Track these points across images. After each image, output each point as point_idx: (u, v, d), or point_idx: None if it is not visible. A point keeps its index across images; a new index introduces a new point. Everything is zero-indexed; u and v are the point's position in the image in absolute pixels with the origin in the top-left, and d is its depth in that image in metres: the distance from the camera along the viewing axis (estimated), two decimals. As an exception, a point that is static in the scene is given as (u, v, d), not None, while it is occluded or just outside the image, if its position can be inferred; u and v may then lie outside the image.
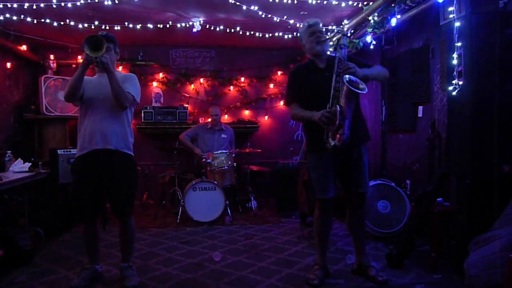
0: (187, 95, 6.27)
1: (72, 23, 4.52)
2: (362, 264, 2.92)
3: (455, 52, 2.91)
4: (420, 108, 4.18)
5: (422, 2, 3.64)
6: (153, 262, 3.34)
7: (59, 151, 4.36)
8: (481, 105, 2.75)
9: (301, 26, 2.94)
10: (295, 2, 4.05)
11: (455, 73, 2.90)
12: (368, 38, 4.40)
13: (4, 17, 4.25)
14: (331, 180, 2.80)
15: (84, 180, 2.77)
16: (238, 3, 4.06)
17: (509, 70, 2.72)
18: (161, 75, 6.18)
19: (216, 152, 4.86)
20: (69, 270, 3.12)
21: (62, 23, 4.48)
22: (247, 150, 5.16)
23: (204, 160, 4.86)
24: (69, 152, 4.36)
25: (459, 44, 2.88)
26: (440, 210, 3.05)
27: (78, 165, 2.81)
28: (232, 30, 4.94)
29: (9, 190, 3.64)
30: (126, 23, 4.63)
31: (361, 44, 4.66)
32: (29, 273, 3.07)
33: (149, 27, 4.72)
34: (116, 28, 4.62)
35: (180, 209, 4.63)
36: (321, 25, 2.86)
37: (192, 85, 6.28)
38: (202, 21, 4.70)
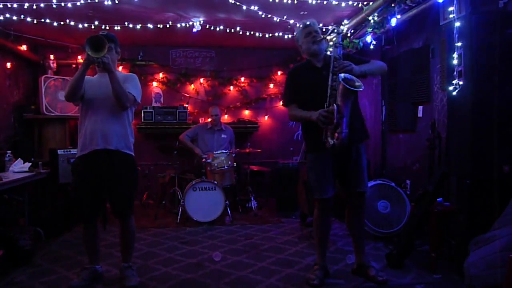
0: (187, 95, 6.27)
1: (72, 23, 4.52)
2: (362, 264, 2.92)
3: (455, 52, 2.91)
4: (420, 108, 4.18)
5: (422, 2, 3.64)
6: (153, 262, 3.34)
7: (59, 151, 4.36)
8: (481, 105, 2.75)
9: (296, 29, 2.94)
10: (295, 2, 4.06)
11: (455, 73, 2.90)
12: (368, 38, 4.40)
13: (4, 17, 4.26)
14: (330, 180, 2.80)
15: (84, 180, 2.77)
16: (238, 3, 4.06)
17: (509, 70, 2.72)
18: (161, 75, 6.19)
19: (216, 152, 4.86)
20: (69, 270, 3.12)
21: (62, 23, 4.48)
22: (247, 150, 5.16)
23: (204, 160, 4.86)
24: (69, 152, 4.36)
25: (459, 44, 2.88)
26: (440, 210, 3.05)
27: (79, 165, 2.81)
28: (232, 30, 4.94)
29: (9, 190, 3.64)
30: (126, 23, 4.63)
31: (361, 44, 4.66)
32: (29, 273, 3.07)
33: (149, 27, 4.72)
34: (116, 28, 4.63)
35: (180, 209, 4.63)
36: (316, 25, 2.86)
37: (192, 85, 6.28)
38: (202, 21, 4.70)
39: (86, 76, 2.71)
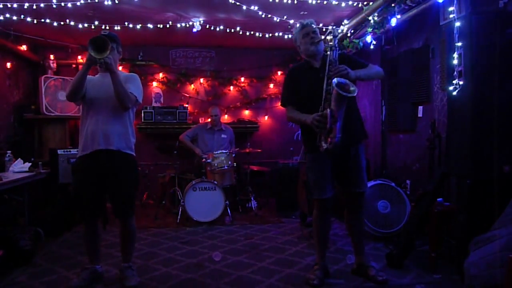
0: (187, 95, 6.28)
1: (72, 23, 4.52)
2: (361, 264, 2.92)
3: (455, 52, 2.90)
4: (420, 108, 4.18)
5: (422, 2, 3.64)
6: (153, 262, 3.34)
7: (59, 151, 4.36)
8: (481, 105, 2.75)
9: (294, 29, 2.93)
10: (295, 2, 4.06)
11: (455, 73, 2.90)
12: (368, 38, 4.40)
13: (4, 17, 4.26)
14: (329, 180, 2.80)
15: (85, 180, 2.77)
16: (238, 3, 4.06)
17: (509, 70, 2.72)
18: (161, 75, 6.19)
19: (216, 152, 4.86)
20: (69, 270, 3.12)
21: (62, 23, 4.48)
22: (247, 150, 5.16)
23: (204, 160, 4.86)
24: (69, 152, 4.36)
25: (459, 44, 2.88)
26: (440, 210, 3.05)
27: (80, 165, 2.81)
28: (232, 30, 4.94)
29: (9, 190, 3.64)
30: (126, 23, 4.63)
31: (361, 44, 4.66)
32: (29, 273, 3.07)
33: (149, 27, 4.72)
34: (116, 28, 4.62)
35: (180, 209, 4.63)
36: (314, 25, 2.84)
37: (192, 85, 6.29)
38: (202, 21, 4.70)
39: (87, 76, 2.71)
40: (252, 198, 5.16)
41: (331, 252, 3.45)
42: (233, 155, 4.95)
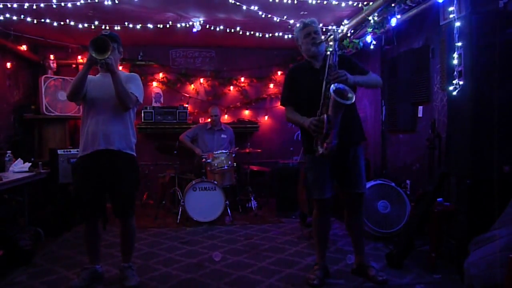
0: (187, 95, 6.28)
1: (72, 23, 4.52)
2: (361, 264, 2.92)
3: (455, 52, 2.90)
4: (420, 108, 4.18)
5: (422, 2, 3.64)
6: (153, 262, 3.34)
7: (59, 151, 4.36)
8: (481, 105, 2.75)
9: (295, 27, 2.92)
10: (295, 2, 4.05)
11: (455, 73, 2.90)
12: (368, 38, 4.40)
13: (4, 17, 4.25)
14: (328, 180, 2.80)
15: (86, 180, 2.77)
16: (238, 3, 4.06)
17: (509, 70, 2.72)
18: (161, 75, 6.19)
19: (216, 152, 4.86)
20: (69, 270, 3.12)
21: (62, 23, 4.48)
22: (247, 150, 5.16)
23: (204, 160, 4.86)
24: (69, 152, 4.36)
25: (459, 44, 2.88)
26: (440, 210, 3.05)
27: (80, 165, 2.81)
28: (232, 30, 4.94)
29: (9, 190, 3.64)
30: (126, 23, 4.63)
31: (361, 44, 4.66)
32: (29, 273, 3.07)
33: (149, 27, 4.72)
34: (116, 28, 4.62)
35: (180, 209, 4.63)
36: (316, 24, 2.81)
37: (192, 85, 6.28)
38: (202, 21, 4.70)
39: (88, 76, 2.71)
40: (252, 198, 5.16)
41: (331, 252, 3.45)
42: (233, 155, 4.95)
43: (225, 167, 4.78)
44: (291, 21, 4.54)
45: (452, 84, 2.93)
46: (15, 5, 4.01)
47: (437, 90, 3.86)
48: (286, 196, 5.08)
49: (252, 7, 4.21)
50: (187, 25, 4.72)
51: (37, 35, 5.12)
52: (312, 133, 2.61)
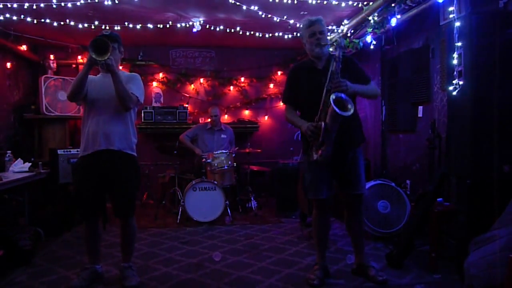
0: (187, 95, 6.28)
1: (72, 23, 4.52)
2: (361, 264, 2.92)
3: (455, 52, 2.90)
4: (420, 108, 4.18)
5: (422, 2, 3.64)
6: (153, 262, 3.34)
7: (59, 151, 4.35)
8: (481, 105, 2.75)
9: (301, 24, 2.89)
10: (295, 2, 4.05)
11: (455, 73, 2.90)
12: (368, 38, 4.40)
13: (4, 17, 4.26)
14: (326, 181, 2.79)
15: (86, 180, 2.77)
16: (238, 3, 4.06)
17: (509, 70, 2.72)
18: (161, 75, 6.19)
19: (216, 152, 4.86)
20: (69, 270, 3.12)
21: (62, 23, 4.48)
22: (247, 150, 5.16)
23: (204, 160, 4.86)
24: (69, 152, 4.36)
25: (459, 44, 2.88)
26: (440, 210, 3.05)
27: (81, 165, 2.81)
28: (232, 30, 4.94)
29: (9, 190, 3.64)
30: (126, 23, 4.63)
31: (361, 44, 4.66)
32: (29, 273, 3.06)
33: (149, 27, 4.72)
34: (116, 28, 4.62)
35: (180, 209, 4.62)
36: (322, 23, 2.76)
37: (192, 85, 6.29)
38: (202, 21, 4.70)
39: (89, 76, 2.71)
40: (252, 198, 5.16)
41: (331, 252, 3.45)
42: (233, 155, 4.95)
43: (225, 167, 4.78)
44: (291, 21, 4.54)
45: (452, 84, 2.93)
46: (15, 5, 4.01)
47: (437, 90, 3.86)
48: (286, 196, 5.08)
49: (252, 7, 4.21)
50: (187, 25, 4.72)
51: (37, 35, 5.12)
52: (308, 138, 2.63)
